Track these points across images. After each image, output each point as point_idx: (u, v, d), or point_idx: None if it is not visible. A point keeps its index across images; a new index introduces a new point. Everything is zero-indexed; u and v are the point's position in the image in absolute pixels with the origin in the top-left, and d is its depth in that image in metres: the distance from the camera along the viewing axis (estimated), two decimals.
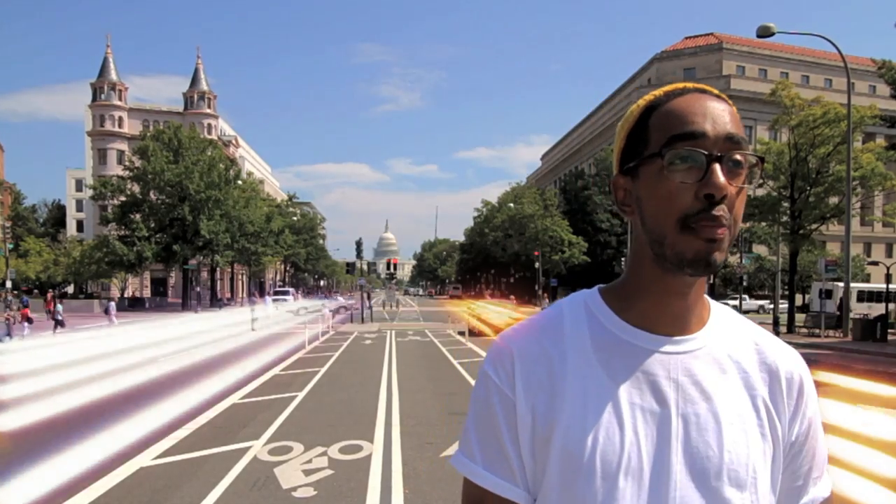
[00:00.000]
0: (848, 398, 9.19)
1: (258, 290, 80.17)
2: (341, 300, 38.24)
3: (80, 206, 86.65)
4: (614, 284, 0.93)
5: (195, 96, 78.47)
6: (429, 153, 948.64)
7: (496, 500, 0.86)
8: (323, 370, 13.68)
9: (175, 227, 46.47)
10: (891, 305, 25.72)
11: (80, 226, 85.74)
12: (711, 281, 39.39)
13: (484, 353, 1.49)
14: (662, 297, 0.86)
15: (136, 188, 46.83)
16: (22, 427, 8.29)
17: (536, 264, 52.97)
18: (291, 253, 78.67)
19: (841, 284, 25.94)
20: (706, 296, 0.92)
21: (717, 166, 0.79)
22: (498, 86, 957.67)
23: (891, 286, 26.18)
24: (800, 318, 28.26)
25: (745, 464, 0.83)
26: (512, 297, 56.64)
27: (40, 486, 5.76)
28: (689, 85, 0.86)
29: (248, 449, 6.93)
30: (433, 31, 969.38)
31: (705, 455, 0.82)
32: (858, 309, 33.40)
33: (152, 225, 46.45)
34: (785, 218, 27.02)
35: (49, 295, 40.56)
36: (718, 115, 0.81)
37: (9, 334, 21.78)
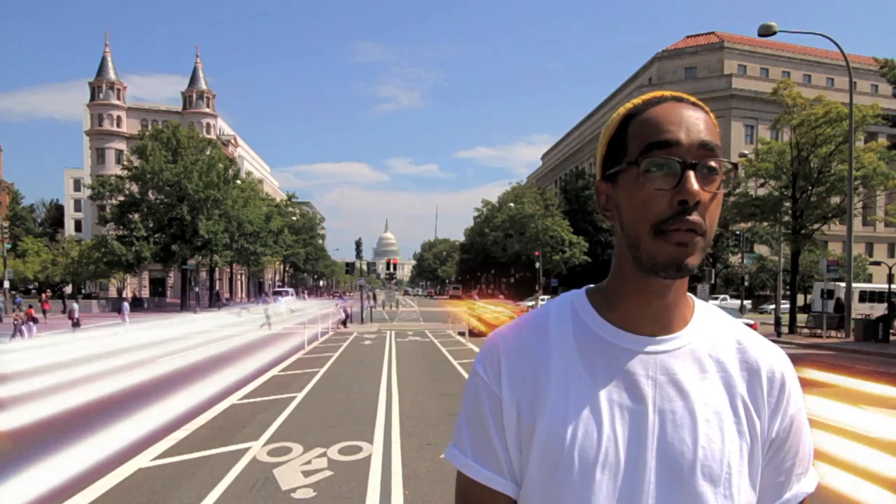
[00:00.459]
0: (849, 399, 9.16)
1: (268, 290, 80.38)
2: (349, 302, 38.03)
3: (78, 206, 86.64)
4: (600, 286, 0.97)
5: (194, 95, 78.47)
6: (429, 153, 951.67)
7: (485, 490, 0.91)
8: (322, 371, 13.66)
9: (174, 227, 46.37)
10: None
11: (78, 226, 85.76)
12: (713, 281, 39.35)
13: None
14: (643, 297, 0.90)
15: (135, 188, 46.71)
16: (22, 427, 8.29)
17: (537, 264, 52.86)
18: (291, 253, 78.61)
19: (843, 284, 25.85)
20: (691, 295, 0.96)
21: (692, 173, 0.82)
22: (498, 85, 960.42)
23: (893, 286, 26.18)
24: (801, 318, 28.19)
25: (720, 459, 0.85)
26: (501, 296, 56.63)
27: (40, 486, 5.75)
28: (667, 93, 0.89)
29: (247, 450, 6.91)
30: (433, 30, 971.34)
31: (680, 451, 0.85)
32: (860, 309, 33.39)
33: (151, 225, 46.33)
34: (786, 218, 26.95)
35: (44, 296, 40.55)
36: (693, 124, 0.85)
37: (16, 334, 21.78)
